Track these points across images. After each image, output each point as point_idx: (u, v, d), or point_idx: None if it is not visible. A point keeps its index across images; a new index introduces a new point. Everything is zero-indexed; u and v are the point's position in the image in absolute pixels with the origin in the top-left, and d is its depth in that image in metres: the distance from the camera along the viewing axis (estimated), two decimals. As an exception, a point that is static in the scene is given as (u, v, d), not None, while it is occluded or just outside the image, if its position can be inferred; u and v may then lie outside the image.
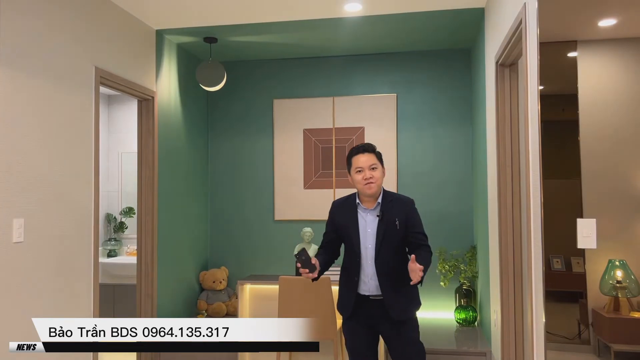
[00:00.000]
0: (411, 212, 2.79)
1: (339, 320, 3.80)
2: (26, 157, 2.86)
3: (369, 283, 2.74)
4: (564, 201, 2.22)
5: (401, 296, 2.73)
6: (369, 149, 2.77)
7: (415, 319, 2.81)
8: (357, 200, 2.80)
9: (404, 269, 2.57)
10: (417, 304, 2.84)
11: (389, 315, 2.70)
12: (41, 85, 2.98)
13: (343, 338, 3.84)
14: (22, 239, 2.81)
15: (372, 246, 2.71)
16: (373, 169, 2.72)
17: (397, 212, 2.74)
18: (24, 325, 2.83)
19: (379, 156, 2.78)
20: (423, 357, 2.79)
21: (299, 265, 2.57)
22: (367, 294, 2.74)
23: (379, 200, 2.77)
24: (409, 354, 2.76)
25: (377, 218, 2.73)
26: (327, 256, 2.85)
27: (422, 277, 2.47)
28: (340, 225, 2.82)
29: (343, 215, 2.82)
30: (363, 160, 2.73)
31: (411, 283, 2.48)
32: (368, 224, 2.75)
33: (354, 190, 2.90)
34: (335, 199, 3.06)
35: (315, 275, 2.62)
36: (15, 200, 2.77)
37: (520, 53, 2.94)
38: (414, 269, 2.44)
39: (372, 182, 2.70)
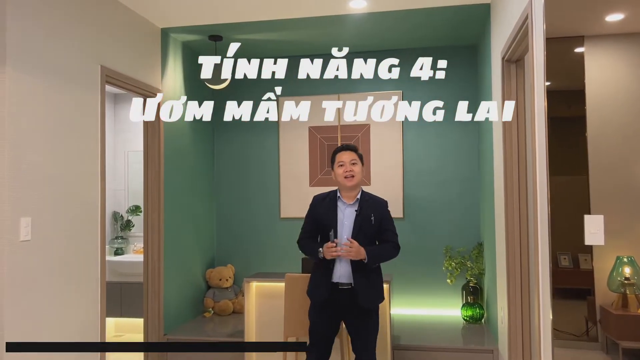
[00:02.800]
0: (385, 212, 3.10)
1: (345, 318, 3.80)
2: (33, 156, 2.87)
3: (342, 272, 2.98)
4: (571, 198, 2.20)
5: (370, 286, 3.01)
6: (352, 148, 3.11)
7: (378, 312, 3.09)
8: (339, 195, 3.08)
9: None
10: (382, 296, 3.11)
11: (358, 304, 2.96)
12: (47, 85, 2.99)
13: (349, 336, 3.85)
14: (29, 238, 2.82)
15: (347, 237, 2.96)
16: (353, 164, 3.04)
17: (373, 210, 3.04)
18: (30, 323, 2.85)
19: (360, 156, 3.10)
20: (374, 346, 3.10)
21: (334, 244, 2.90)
22: (339, 281, 2.98)
23: (358, 197, 3.06)
24: (372, 342, 3.03)
25: (356, 212, 3.01)
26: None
27: (371, 258, 2.92)
28: (320, 217, 3.07)
29: (324, 208, 3.08)
30: (345, 156, 3.06)
31: (338, 254, 2.88)
32: (346, 217, 3.02)
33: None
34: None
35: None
36: (22, 199, 2.78)
37: (526, 49, 2.92)
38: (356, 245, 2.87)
39: (352, 175, 3.01)
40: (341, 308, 3.02)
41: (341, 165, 3.05)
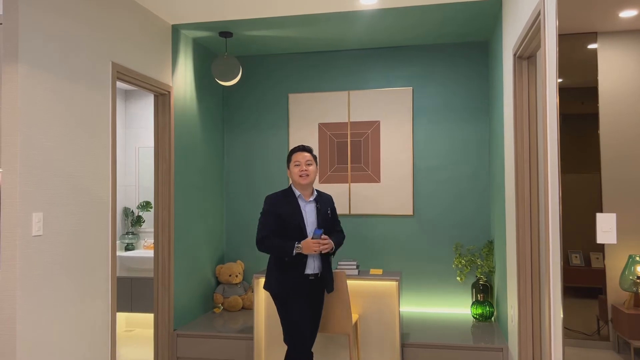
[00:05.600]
0: (333, 205, 3.53)
1: (355, 315, 3.80)
2: (45, 152, 2.89)
3: (312, 263, 3.30)
4: (583, 196, 2.18)
5: (330, 272, 3.42)
6: (308, 149, 3.41)
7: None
8: (298, 193, 3.34)
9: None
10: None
11: (321, 289, 3.37)
12: (59, 81, 3.01)
13: (358, 332, 3.85)
14: (41, 232, 2.85)
15: (313, 231, 3.26)
16: (308, 164, 3.34)
17: (327, 205, 3.45)
18: (42, 317, 2.87)
19: (314, 157, 3.41)
20: None
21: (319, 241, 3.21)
22: (309, 272, 3.28)
23: (315, 193, 3.39)
24: (318, 322, 3.47)
25: (317, 208, 3.35)
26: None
27: (334, 250, 3.33)
28: (285, 216, 3.28)
29: (285, 206, 3.31)
30: (301, 156, 3.35)
31: (325, 249, 3.22)
32: (308, 213, 3.34)
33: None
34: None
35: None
36: (34, 194, 2.81)
37: (538, 45, 2.89)
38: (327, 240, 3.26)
39: (307, 175, 3.30)
40: (310, 296, 3.33)
41: (297, 165, 3.33)
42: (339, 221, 3.55)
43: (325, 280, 3.36)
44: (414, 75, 4.96)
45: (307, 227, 3.29)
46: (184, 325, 4.42)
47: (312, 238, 3.20)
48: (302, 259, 3.25)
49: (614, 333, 2.08)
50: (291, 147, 5.16)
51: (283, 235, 3.27)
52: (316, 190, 3.44)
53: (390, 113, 4.96)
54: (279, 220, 3.28)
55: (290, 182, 3.42)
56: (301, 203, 3.33)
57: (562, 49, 2.18)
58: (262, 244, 3.29)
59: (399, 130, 4.94)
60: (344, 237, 3.53)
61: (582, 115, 2.25)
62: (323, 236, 3.22)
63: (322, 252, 3.22)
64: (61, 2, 3.03)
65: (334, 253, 3.39)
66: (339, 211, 5.01)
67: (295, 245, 3.18)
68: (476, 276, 4.58)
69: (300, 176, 3.30)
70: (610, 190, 2.06)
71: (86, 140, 3.23)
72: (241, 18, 4.17)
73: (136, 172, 5.66)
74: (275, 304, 3.33)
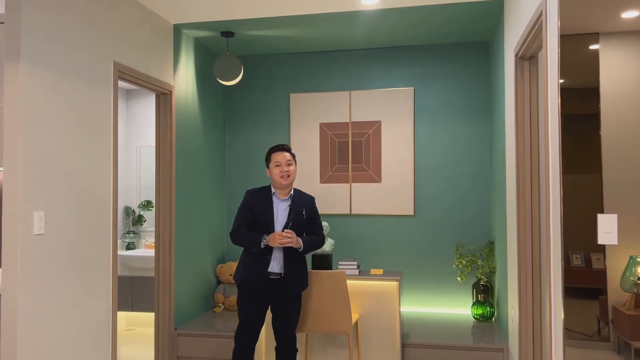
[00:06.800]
0: (314, 207, 3.45)
1: (355, 315, 3.80)
2: (46, 151, 2.90)
3: (275, 262, 3.27)
4: (584, 196, 2.18)
5: (298, 272, 3.33)
6: (287, 148, 3.37)
7: (301, 296, 3.45)
8: (273, 191, 3.35)
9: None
10: (307, 283, 3.44)
11: (288, 289, 3.28)
12: (61, 80, 3.01)
13: (359, 332, 3.85)
14: (43, 231, 2.85)
15: (281, 230, 3.25)
16: (289, 164, 3.31)
17: (304, 205, 3.38)
18: (43, 316, 2.88)
19: (293, 156, 3.38)
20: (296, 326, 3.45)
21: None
22: (272, 271, 3.26)
23: (291, 193, 3.36)
24: (295, 321, 3.39)
25: (289, 207, 3.32)
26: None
27: (306, 247, 3.28)
28: (257, 210, 3.31)
29: (260, 202, 3.33)
30: (281, 157, 3.31)
31: (288, 242, 3.17)
32: (280, 212, 3.32)
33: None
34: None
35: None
36: (35, 193, 2.81)
37: (540, 46, 2.89)
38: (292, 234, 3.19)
39: (288, 175, 3.28)
40: (271, 295, 3.31)
41: (277, 166, 3.29)
42: (319, 224, 3.46)
43: (290, 282, 3.28)
44: (415, 75, 4.96)
45: (275, 225, 3.28)
46: (185, 324, 4.42)
47: (281, 231, 3.21)
48: (266, 255, 3.24)
49: (614, 334, 2.08)
50: (293, 147, 5.16)
51: (254, 230, 3.29)
52: (297, 190, 3.42)
53: (391, 113, 4.96)
54: (252, 215, 3.31)
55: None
56: (275, 201, 3.33)
57: (563, 49, 2.18)
58: (234, 235, 3.32)
59: (400, 130, 4.94)
60: (319, 240, 3.43)
61: (583, 115, 2.25)
62: (287, 230, 3.19)
63: (286, 245, 3.17)
64: (63, 2, 3.04)
65: (303, 253, 3.32)
66: (340, 211, 5.03)
67: (263, 237, 3.19)
68: (477, 276, 4.58)
69: (282, 177, 3.28)
70: (611, 191, 2.06)
71: (87, 140, 3.24)
72: (243, 18, 4.17)
73: (137, 171, 5.67)
74: (238, 295, 3.38)
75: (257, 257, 3.26)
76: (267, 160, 3.38)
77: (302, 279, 3.38)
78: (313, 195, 3.51)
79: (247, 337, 3.28)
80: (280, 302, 3.33)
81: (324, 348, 3.93)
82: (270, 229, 3.27)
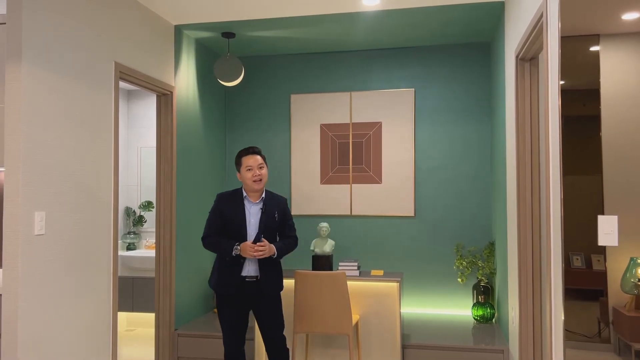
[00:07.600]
0: (286, 208, 3.39)
1: (355, 316, 3.80)
2: (47, 151, 2.90)
3: (250, 265, 3.22)
4: (584, 198, 2.18)
5: (273, 275, 3.28)
6: (257, 151, 3.31)
7: (280, 296, 3.37)
8: (245, 194, 3.28)
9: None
10: (282, 285, 3.38)
11: (264, 292, 3.23)
12: (62, 80, 3.02)
13: (359, 333, 3.85)
14: (43, 232, 2.86)
15: (254, 233, 3.20)
16: (260, 167, 3.25)
17: (276, 207, 3.32)
18: (44, 316, 2.88)
19: (264, 158, 3.32)
20: (283, 326, 3.37)
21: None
22: (245, 274, 3.21)
23: (263, 195, 3.30)
24: (280, 322, 3.33)
25: (261, 210, 3.25)
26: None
27: (280, 254, 3.24)
28: (228, 215, 3.25)
29: (231, 207, 3.27)
30: (252, 160, 3.24)
31: (260, 255, 3.12)
32: (252, 215, 3.26)
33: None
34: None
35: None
36: (36, 193, 2.82)
37: (540, 47, 2.89)
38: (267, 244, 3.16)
39: (260, 179, 3.23)
40: (249, 298, 3.26)
41: (249, 170, 3.22)
42: (291, 225, 3.41)
43: (265, 284, 3.23)
44: (416, 76, 4.96)
45: (248, 228, 3.22)
46: (185, 324, 4.42)
47: (253, 242, 3.14)
48: (239, 260, 3.20)
49: (614, 335, 2.08)
50: (293, 149, 5.17)
51: (225, 235, 3.25)
52: (268, 191, 3.35)
53: (392, 114, 4.96)
54: (222, 219, 3.26)
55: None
56: (247, 204, 3.26)
57: (564, 51, 2.18)
58: (205, 241, 3.29)
59: (401, 132, 4.94)
60: (293, 243, 3.38)
61: (584, 117, 2.25)
62: (260, 243, 3.13)
63: (259, 257, 3.13)
64: (65, 3, 3.04)
65: (277, 259, 3.28)
66: (340, 212, 5.03)
67: (235, 246, 3.15)
68: (477, 277, 4.58)
69: (254, 181, 3.21)
70: (611, 192, 2.06)
71: (88, 140, 3.24)
72: (244, 19, 4.18)
73: (138, 171, 5.67)
74: (216, 301, 3.32)
75: (231, 262, 3.21)
76: (238, 164, 3.30)
77: (278, 280, 3.33)
78: (285, 197, 3.47)
79: (233, 342, 3.26)
80: (259, 304, 3.28)
81: (324, 349, 3.92)
82: (242, 232, 3.21)
